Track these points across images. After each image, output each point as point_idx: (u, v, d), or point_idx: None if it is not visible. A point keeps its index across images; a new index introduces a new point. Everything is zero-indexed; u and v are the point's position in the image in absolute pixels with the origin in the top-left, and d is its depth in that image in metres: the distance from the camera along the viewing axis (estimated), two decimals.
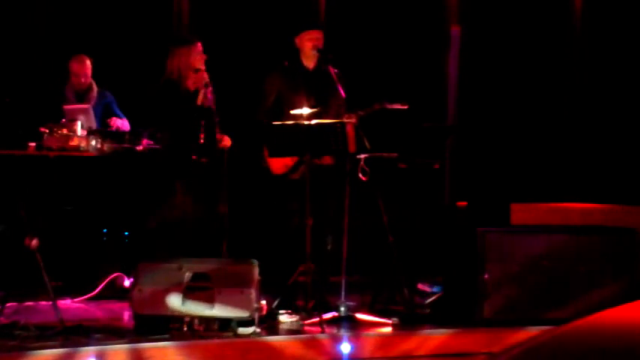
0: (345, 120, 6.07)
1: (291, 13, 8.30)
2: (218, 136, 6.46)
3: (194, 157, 6.42)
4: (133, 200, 7.29)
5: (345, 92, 6.19)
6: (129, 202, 7.33)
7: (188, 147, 6.41)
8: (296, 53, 6.48)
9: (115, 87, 7.84)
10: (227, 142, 6.53)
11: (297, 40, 6.47)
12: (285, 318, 6.00)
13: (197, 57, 6.47)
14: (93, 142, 7.04)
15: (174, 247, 6.37)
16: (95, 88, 7.67)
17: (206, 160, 6.46)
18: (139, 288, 5.62)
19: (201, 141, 6.42)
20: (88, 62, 7.63)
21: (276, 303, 6.03)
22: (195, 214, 6.44)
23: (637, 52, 8.72)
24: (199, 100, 6.43)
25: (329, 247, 6.38)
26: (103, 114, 7.61)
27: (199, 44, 6.54)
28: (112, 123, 7.48)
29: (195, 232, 6.46)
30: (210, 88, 6.40)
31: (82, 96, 7.64)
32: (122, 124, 7.58)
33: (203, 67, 6.47)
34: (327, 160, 6.35)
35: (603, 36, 8.96)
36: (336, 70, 6.33)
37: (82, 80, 7.61)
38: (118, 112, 7.68)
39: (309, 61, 6.47)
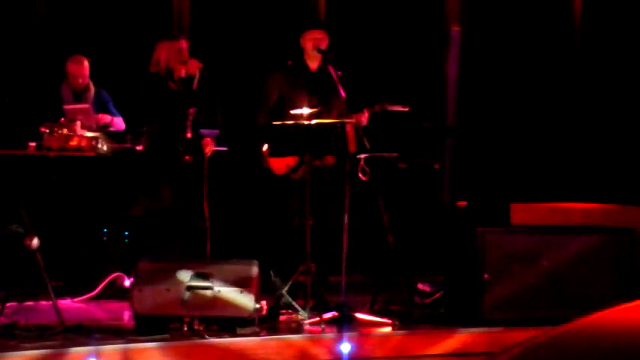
0: (346, 120, 6.07)
1: (292, 13, 8.31)
2: (203, 143, 6.47)
3: (181, 148, 6.42)
4: (131, 198, 7.29)
5: (346, 92, 6.19)
6: (129, 202, 7.32)
7: (174, 142, 6.41)
8: (300, 54, 6.49)
9: (116, 87, 7.84)
10: (210, 148, 6.51)
11: (300, 41, 6.48)
12: (284, 318, 6.01)
13: (181, 52, 6.46)
14: (93, 142, 7.04)
15: (154, 238, 6.36)
16: (92, 88, 7.66)
17: (190, 158, 6.45)
18: (139, 287, 5.62)
19: (188, 135, 6.43)
20: (86, 63, 7.62)
21: (275, 304, 6.04)
22: (177, 208, 6.42)
23: (637, 53, 8.72)
24: (195, 85, 6.41)
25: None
26: (99, 113, 7.60)
27: (183, 41, 6.54)
28: (99, 119, 7.47)
29: (177, 228, 6.45)
30: (205, 73, 6.40)
31: (78, 96, 7.63)
32: (114, 121, 7.58)
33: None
34: (329, 160, 6.35)
35: (603, 36, 8.96)
36: (338, 72, 6.35)
37: (80, 81, 7.61)
38: (114, 111, 7.68)
39: (313, 62, 6.48)
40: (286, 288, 5.98)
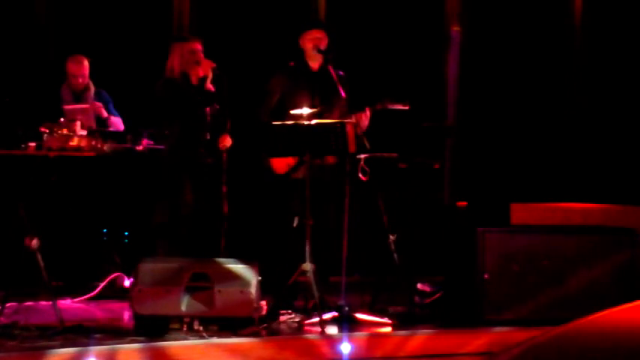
0: (346, 120, 6.07)
1: (293, 13, 8.31)
2: (220, 138, 6.50)
3: (202, 150, 6.45)
4: (133, 200, 7.29)
5: (347, 93, 6.19)
6: (129, 202, 7.33)
7: (195, 143, 6.44)
8: (301, 54, 6.49)
9: (117, 87, 7.84)
10: (227, 142, 6.54)
11: (300, 41, 6.49)
12: (284, 318, 6.01)
13: (193, 54, 6.47)
14: (93, 142, 7.04)
15: (178, 243, 6.37)
16: (92, 88, 7.67)
17: (211, 160, 6.49)
18: (139, 288, 5.62)
19: (207, 137, 6.45)
20: (86, 62, 7.64)
21: (275, 304, 6.04)
22: (200, 212, 6.46)
23: (637, 53, 8.72)
24: (207, 85, 6.43)
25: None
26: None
27: (197, 43, 6.54)
28: (96, 106, 7.49)
29: (198, 229, 6.47)
30: (217, 74, 6.43)
31: (78, 96, 7.65)
32: (112, 120, 7.60)
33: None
34: (330, 159, 6.35)
35: (603, 36, 8.96)
36: (340, 72, 6.35)
37: (80, 81, 7.62)
38: (114, 111, 7.70)
39: (313, 62, 6.48)
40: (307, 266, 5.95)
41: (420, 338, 5.78)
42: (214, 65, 6.42)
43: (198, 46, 6.52)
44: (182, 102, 6.43)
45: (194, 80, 6.49)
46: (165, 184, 6.51)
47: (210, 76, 6.42)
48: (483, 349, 5.74)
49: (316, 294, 5.83)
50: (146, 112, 6.90)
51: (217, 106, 6.50)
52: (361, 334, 5.74)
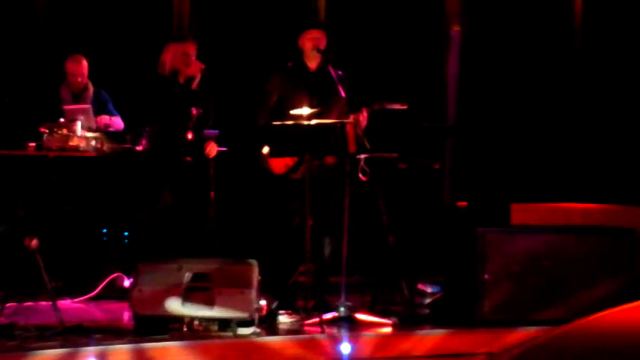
0: (345, 120, 6.07)
1: (292, 13, 8.31)
2: (205, 144, 6.49)
3: (182, 149, 6.44)
4: (133, 200, 7.29)
5: (347, 92, 6.19)
6: (129, 201, 7.33)
7: (176, 142, 6.43)
8: (300, 54, 6.49)
9: (117, 87, 7.84)
10: (213, 150, 6.53)
11: (299, 41, 6.49)
12: (284, 318, 6.01)
13: (186, 56, 6.47)
14: (93, 142, 7.05)
15: (158, 240, 6.37)
16: (91, 88, 7.68)
17: (191, 159, 6.47)
18: (139, 288, 5.62)
19: (189, 136, 6.43)
20: (85, 62, 7.65)
21: (275, 304, 6.04)
22: (181, 210, 6.45)
23: (637, 53, 8.72)
24: (194, 86, 6.44)
25: (327, 251, 6.36)
26: (99, 113, 7.61)
27: (191, 45, 6.53)
28: (98, 121, 7.49)
29: (181, 229, 6.46)
30: (206, 73, 6.44)
31: (77, 96, 7.65)
32: (112, 121, 7.60)
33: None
34: (330, 159, 6.35)
35: (603, 36, 8.96)
36: (339, 72, 6.35)
37: (79, 80, 7.63)
38: (114, 111, 7.70)
39: (312, 62, 6.48)
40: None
41: (421, 339, 5.78)
42: (203, 67, 6.43)
43: (191, 49, 6.51)
44: (165, 99, 6.43)
45: (182, 80, 6.49)
46: (144, 181, 6.53)
47: (198, 77, 6.43)
48: (483, 349, 5.74)
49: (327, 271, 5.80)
50: (136, 107, 6.90)
51: (201, 110, 6.47)
52: (361, 335, 5.74)
